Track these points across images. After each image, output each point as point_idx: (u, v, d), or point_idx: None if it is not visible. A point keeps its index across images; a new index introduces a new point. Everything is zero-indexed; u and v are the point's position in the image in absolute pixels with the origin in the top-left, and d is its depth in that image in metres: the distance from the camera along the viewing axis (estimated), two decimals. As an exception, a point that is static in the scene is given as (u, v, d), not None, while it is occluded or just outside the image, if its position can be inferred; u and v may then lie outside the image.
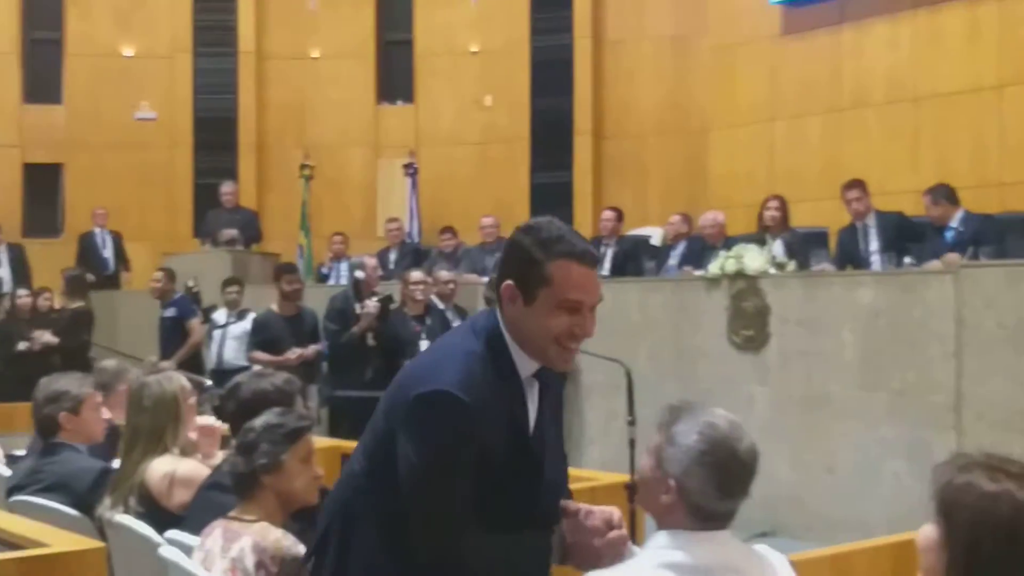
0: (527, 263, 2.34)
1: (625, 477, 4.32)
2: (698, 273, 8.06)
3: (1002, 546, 1.58)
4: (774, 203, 8.63)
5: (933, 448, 6.20)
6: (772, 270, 7.48)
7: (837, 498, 6.74)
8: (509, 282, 2.36)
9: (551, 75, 12.62)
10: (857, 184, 8.28)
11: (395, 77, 13.42)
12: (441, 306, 8.53)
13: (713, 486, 2.14)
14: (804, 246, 8.25)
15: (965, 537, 1.62)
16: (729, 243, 8.24)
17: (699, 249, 8.89)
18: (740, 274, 7.51)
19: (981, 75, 9.52)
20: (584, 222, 12.07)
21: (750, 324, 7.44)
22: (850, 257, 7.85)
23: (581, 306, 2.37)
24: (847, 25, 10.48)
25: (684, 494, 2.15)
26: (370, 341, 8.24)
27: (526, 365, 2.42)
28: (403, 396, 2.36)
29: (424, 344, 8.25)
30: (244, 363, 8.34)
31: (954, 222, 7.47)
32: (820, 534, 6.23)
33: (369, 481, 2.44)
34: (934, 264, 6.95)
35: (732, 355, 7.54)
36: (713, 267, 7.72)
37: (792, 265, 7.60)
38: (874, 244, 7.72)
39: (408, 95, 13.33)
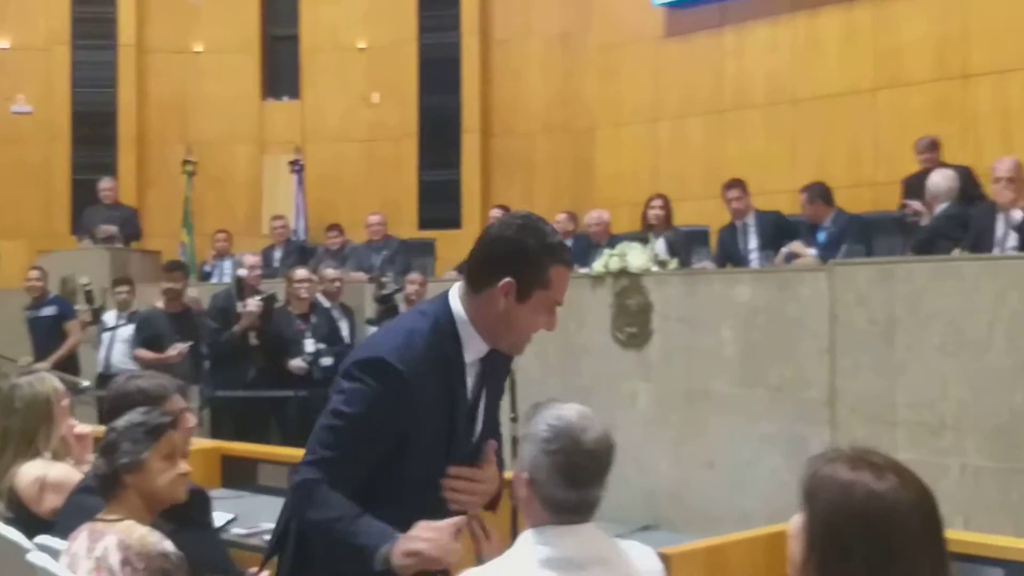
0: (531, 266, 2.46)
1: (507, 474, 4.34)
2: (583, 271, 8.15)
3: (856, 532, 1.64)
4: (658, 202, 8.79)
5: (809, 442, 6.36)
6: (655, 268, 7.60)
7: (717, 492, 6.87)
8: (510, 280, 2.45)
9: (439, 73, 12.61)
10: (737, 184, 8.49)
11: (281, 73, 13.25)
12: (327, 304, 8.48)
13: (559, 476, 2.15)
14: (686, 244, 8.42)
15: (823, 523, 1.67)
16: (614, 241, 8.36)
17: (584, 247, 8.99)
18: (624, 272, 7.61)
19: (857, 78, 9.80)
20: (472, 220, 12.11)
21: (633, 321, 7.55)
22: (730, 255, 8.03)
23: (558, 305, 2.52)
24: (728, 28, 10.68)
25: (535, 487, 2.17)
26: (252, 340, 8.16)
27: (478, 348, 2.55)
28: (344, 368, 2.51)
29: (309, 343, 8.19)
30: (132, 366, 8.17)
31: (827, 221, 7.69)
32: (700, 527, 6.35)
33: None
34: (804, 260, 7.16)
35: (616, 352, 7.63)
36: (597, 265, 7.81)
37: (674, 263, 7.73)
38: (753, 242, 7.91)
39: (294, 91, 13.18)
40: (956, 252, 6.55)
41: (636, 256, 7.64)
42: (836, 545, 1.65)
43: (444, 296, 2.57)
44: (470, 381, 2.58)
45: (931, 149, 8.30)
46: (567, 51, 12.26)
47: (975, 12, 9.06)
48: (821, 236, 7.60)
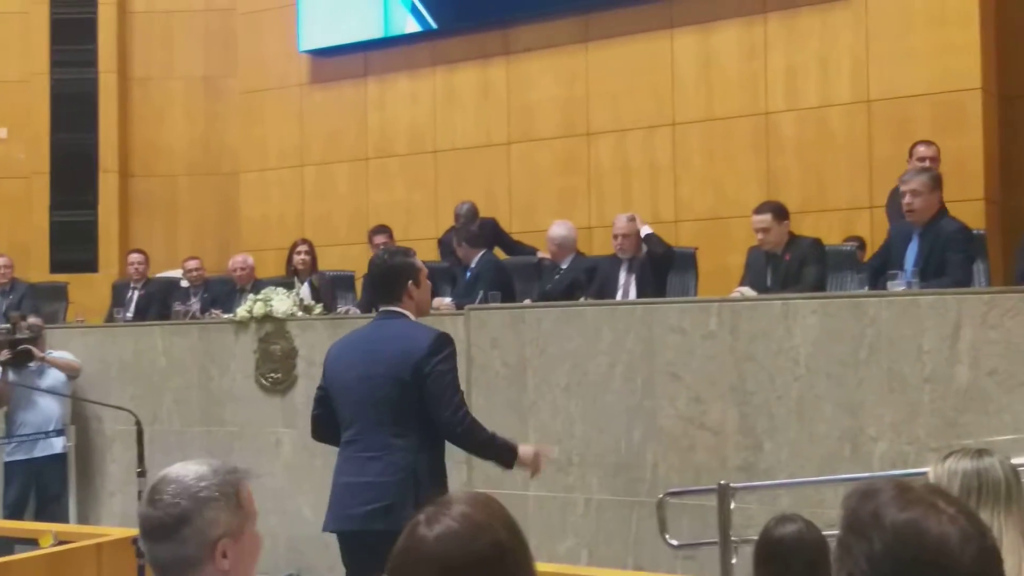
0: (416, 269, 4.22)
1: (134, 531, 4.23)
2: (226, 316, 8.06)
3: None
4: (303, 247, 8.84)
5: (451, 480, 6.59)
6: (299, 313, 7.64)
7: (361, 534, 6.95)
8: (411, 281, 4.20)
9: (74, 110, 12.05)
10: (383, 230, 8.69)
11: None
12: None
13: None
14: (332, 289, 8.51)
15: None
16: (258, 286, 8.32)
17: (228, 292, 8.89)
18: (268, 317, 7.60)
19: (492, 132, 10.30)
20: (110, 262, 11.65)
21: (278, 367, 7.54)
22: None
23: None
24: (371, 78, 10.93)
25: None
26: None
27: None
28: (417, 345, 4.05)
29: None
30: None
31: (473, 263, 8.03)
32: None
33: (409, 431, 4.06)
34: (445, 304, 7.45)
35: (260, 398, 7.59)
36: (242, 310, 7.75)
37: (319, 308, 7.80)
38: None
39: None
40: (582, 299, 7.03)
41: (281, 301, 7.65)
42: None
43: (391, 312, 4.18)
44: None
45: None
46: (211, 94, 12.10)
47: (596, 76, 9.78)
48: (468, 275, 7.93)
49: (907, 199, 6.02)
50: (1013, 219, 8.20)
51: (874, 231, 8.08)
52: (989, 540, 1.52)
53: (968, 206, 7.49)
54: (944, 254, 5.95)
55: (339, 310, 7.95)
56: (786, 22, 9.04)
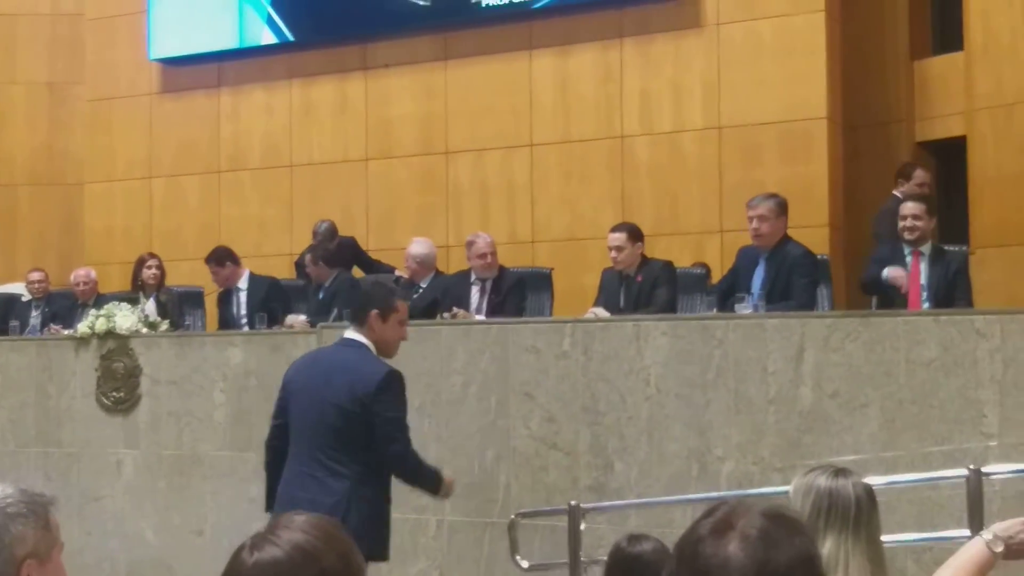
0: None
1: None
2: (66, 332, 7.75)
3: None
4: (153, 262, 8.55)
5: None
6: (144, 330, 7.39)
7: (206, 561, 6.74)
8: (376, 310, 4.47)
9: (-94, 113, 11.48)
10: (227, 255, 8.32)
11: None
12: None
13: None
14: (179, 305, 8.26)
15: None
16: (101, 301, 8.03)
17: (69, 307, 8.56)
18: (111, 333, 7.34)
19: (350, 147, 10.19)
20: (-58, 275, 11.09)
21: (121, 385, 7.28)
22: (224, 319, 7.98)
23: None
24: (225, 89, 10.70)
25: None
26: None
27: None
28: (364, 382, 4.30)
29: None
30: None
31: (328, 282, 7.88)
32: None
33: (350, 459, 4.33)
34: (299, 322, 7.31)
35: (101, 417, 7.32)
36: (82, 326, 7.47)
37: (165, 325, 7.57)
38: (244, 308, 7.91)
39: None
40: (440, 317, 6.97)
41: (124, 317, 7.40)
42: None
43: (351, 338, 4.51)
44: None
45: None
46: (56, 101, 11.65)
47: (455, 94, 9.78)
48: (321, 295, 7.78)
49: (755, 224, 6.15)
50: (855, 245, 8.48)
51: (723, 255, 8.26)
52: (770, 570, 1.43)
53: (813, 232, 7.72)
54: (790, 278, 6.10)
55: (187, 328, 7.73)
56: (641, 47, 9.19)
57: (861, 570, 2.67)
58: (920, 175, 7.40)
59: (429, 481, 4.59)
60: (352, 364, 4.39)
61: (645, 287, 6.50)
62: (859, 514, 2.73)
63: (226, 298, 8.04)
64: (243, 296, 7.94)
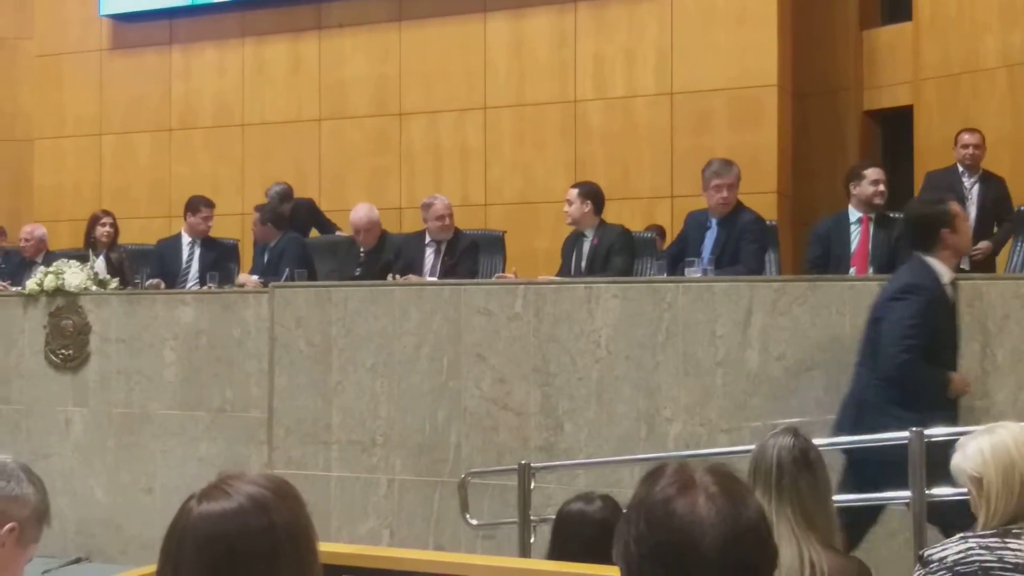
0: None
1: None
2: (15, 289, 7.69)
3: None
4: (107, 219, 8.44)
5: (250, 462, 6.48)
6: (94, 287, 7.35)
7: (156, 518, 6.75)
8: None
9: None
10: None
11: None
12: None
13: None
14: (131, 263, 8.20)
15: None
16: (50, 259, 7.96)
17: (17, 264, 8.47)
18: (60, 291, 7.29)
19: (303, 108, 10.14)
20: None
21: (69, 343, 7.25)
22: (171, 275, 7.93)
23: None
24: (176, 47, 10.59)
25: None
26: None
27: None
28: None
29: None
30: None
31: (273, 243, 7.84)
32: (136, 556, 6.24)
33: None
34: (251, 281, 7.30)
35: (50, 375, 7.28)
36: (31, 283, 7.41)
37: (115, 283, 7.53)
38: (196, 265, 7.88)
39: None
40: (391, 277, 6.98)
41: (74, 275, 7.35)
42: None
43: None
44: None
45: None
46: (4, 56, 11.47)
47: (409, 56, 9.75)
48: (266, 256, 7.76)
49: (724, 193, 6.25)
50: (803, 211, 8.60)
51: (674, 220, 8.34)
52: (743, 525, 1.48)
53: (761, 198, 7.81)
54: (739, 243, 6.19)
55: (139, 285, 7.68)
56: (595, 12, 9.21)
57: (788, 536, 2.68)
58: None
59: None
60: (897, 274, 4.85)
61: (600, 250, 6.56)
62: (780, 479, 2.74)
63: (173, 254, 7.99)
64: (196, 252, 7.92)
